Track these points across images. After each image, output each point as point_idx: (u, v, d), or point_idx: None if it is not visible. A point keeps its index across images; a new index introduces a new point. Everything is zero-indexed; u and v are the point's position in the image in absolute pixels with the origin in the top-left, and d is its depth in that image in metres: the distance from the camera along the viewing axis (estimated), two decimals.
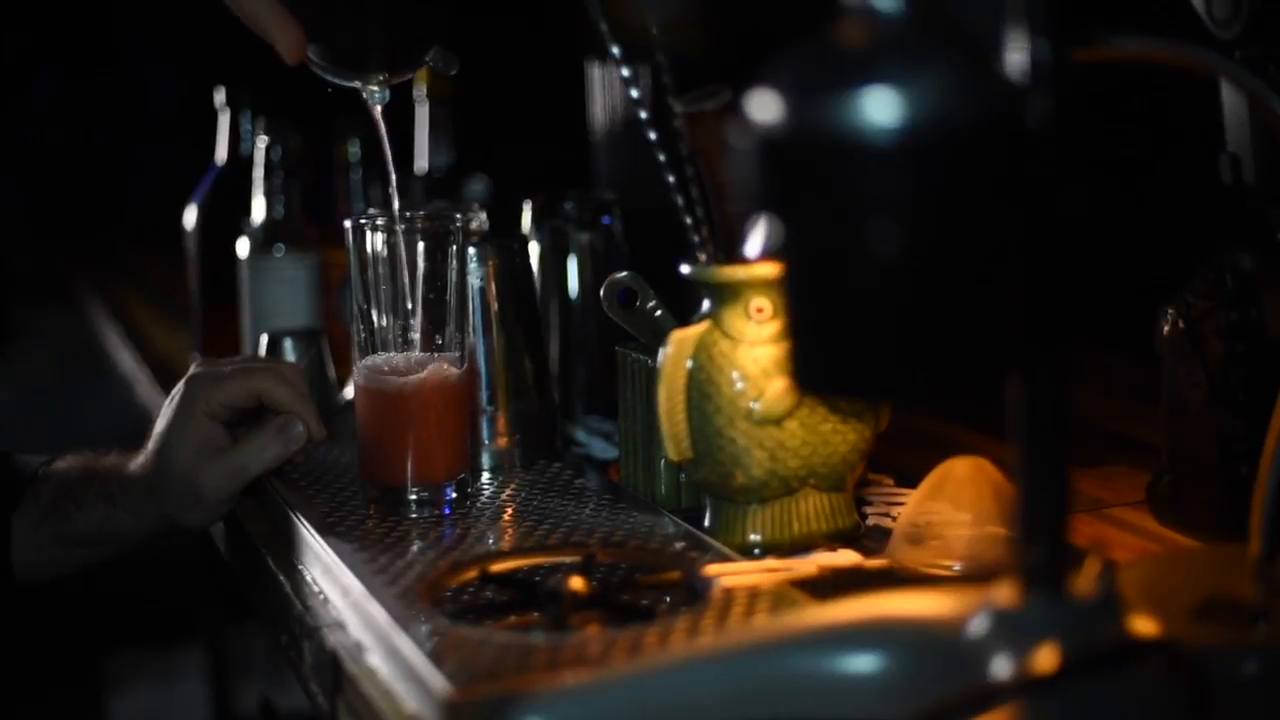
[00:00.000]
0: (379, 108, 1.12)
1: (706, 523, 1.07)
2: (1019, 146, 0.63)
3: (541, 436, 1.26)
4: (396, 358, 1.12)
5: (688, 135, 1.06)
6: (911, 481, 1.09)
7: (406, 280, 1.11)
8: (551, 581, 0.94)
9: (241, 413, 1.16)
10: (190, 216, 1.70)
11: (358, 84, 1.12)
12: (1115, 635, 0.68)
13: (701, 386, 1.04)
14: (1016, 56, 0.63)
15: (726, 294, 1.04)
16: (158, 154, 3.02)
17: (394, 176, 1.12)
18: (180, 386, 1.17)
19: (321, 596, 1.02)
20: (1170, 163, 1.44)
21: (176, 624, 2.61)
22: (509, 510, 1.13)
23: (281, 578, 1.06)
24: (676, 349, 1.04)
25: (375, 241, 1.12)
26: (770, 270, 1.02)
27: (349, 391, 1.37)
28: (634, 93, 1.09)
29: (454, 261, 1.13)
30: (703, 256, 1.08)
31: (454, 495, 1.12)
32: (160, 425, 1.16)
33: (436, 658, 0.84)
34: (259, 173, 1.59)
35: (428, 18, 1.09)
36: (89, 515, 1.16)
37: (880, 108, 0.61)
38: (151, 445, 1.15)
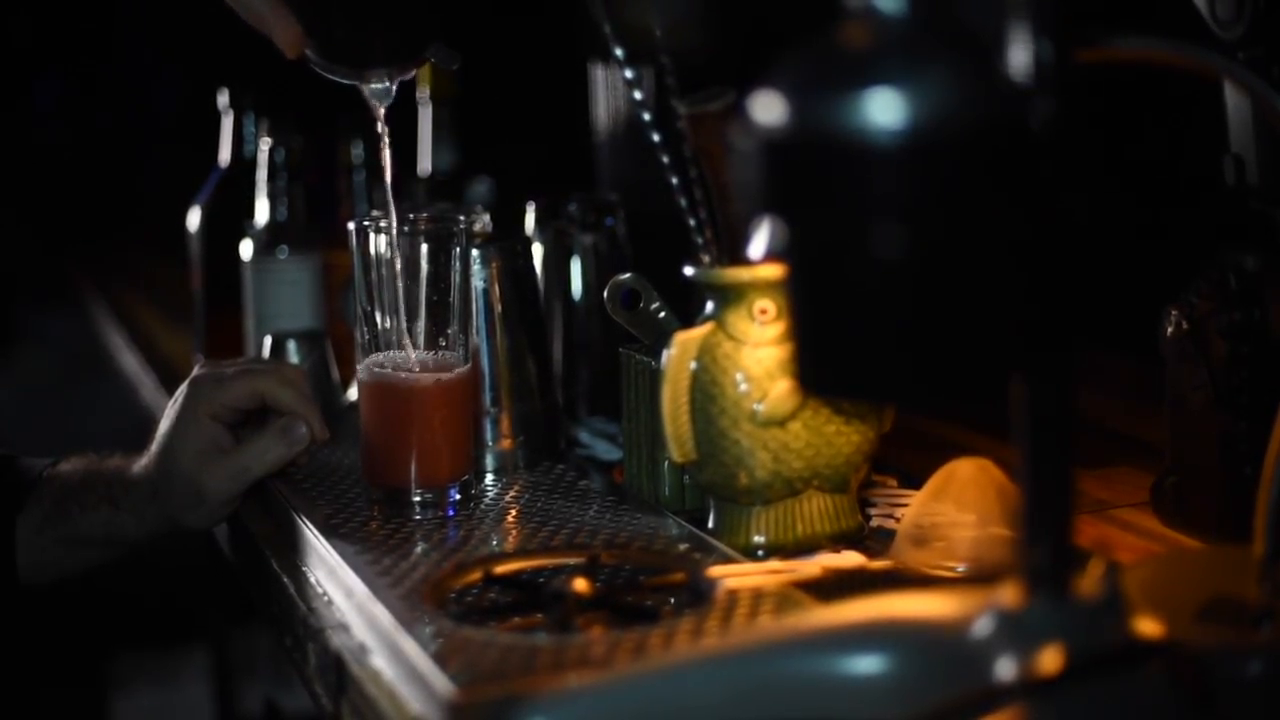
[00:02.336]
0: (381, 107, 1.12)
1: (710, 524, 1.07)
2: (1022, 148, 0.63)
3: (545, 438, 1.26)
4: (400, 358, 1.12)
5: (691, 137, 1.06)
6: (915, 483, 1.09)
7: (424, 280, 1.11)
8: (555, 583, 0.94)
9: (244, 414, 1.16)
10: (193, 218, 1.71)
11: (358, 82, 1.12)
12: (1119, 636, 0.68)
13: (705, 388, 1.04)
14: (1019, 58, 0.63)
15: (730, 295, 1.04)
16: (161, 156, 3.02)
17: (389, 173, 1.11)
18: (183, 388, 1.17)
19: (325, 598, 1.02)
20: (1174, 164, 1.44)
21: (180, 625, 2.61)
22: (513, 512, 1.13)
23: (285, 579, 1.06)
24: (680, 350, 1.04)
25: (379, 243, 1.12)
26: (774, 272, 1.02)
27: (353, 393, 1.37)
28: (637, 94, 1.09)
29: (457, 263, 1.13)
30: (706, 258, 1.08)
31: (458, 497, 1.12)
32: (163, 427, 1.16)
33: (441, 659, 0.84)
34: (262, 174, 1.59)
35: (428, 13, 1.09)
36: (92, 517, 1.16)
37: (883, 109, 0.61)
38: (154, 447, 1.16)
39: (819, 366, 0.68)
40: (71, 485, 1.18)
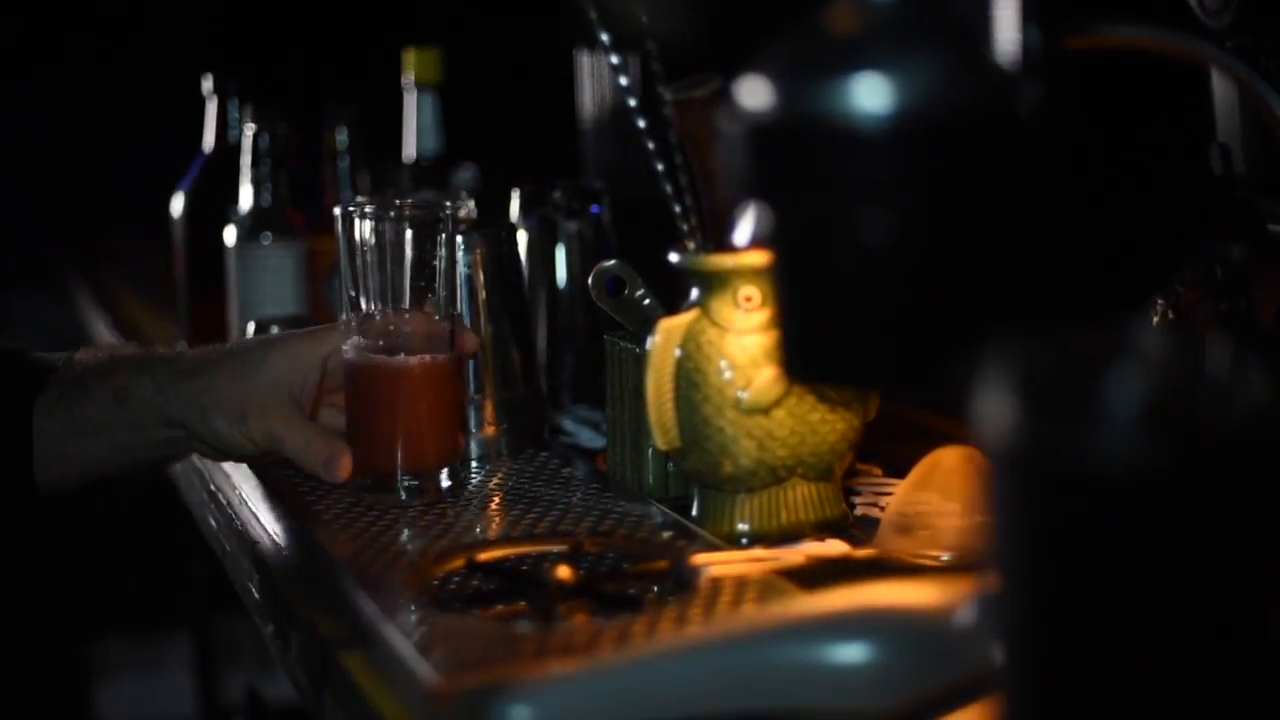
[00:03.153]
0: None
1: (694, 512, 1.07)
2: (1009, 134, 0.63)
3: (529, 425, 1.26)
4: (385, 343, 1.12)
5: (677, 123, 1.06)
6: (900, 471, 1.09)
7: (409, 266, 1.11)
8: (538, 571, 0.94)
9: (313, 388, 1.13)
10: (177, 204, 1.70)
11: None
12: None
13: (689, 375, 1.03)
14: (1007, 44, 0.63)
15: (715, 282, 1.04)
16: (145, 141, 3.01)
17: None
18: (327, 331, 1.14)
19: (308, 585, 1.01)
20: (1160, 152, 1.44)
21: (163, 613, 2.61)
22: (496, 499, 1.12)
23: (268, 565, 1.06)
24: (664, 337, 1.04)
25: (364, 229, 1.11)
26: (759, 258, 1.01)
27: None
28: (623, 80, 1.09)
29: (442, 249, 1.12)
30: (691, 245, 1.07)
31: (444, 483, 1.12)
32: (274, 337, 1.13)
33: (423, 647, 0.84)
34: (246, 160, 1.58)
35: None
36: (106, 388, 1.10)
37: (870, 95, 0.61)
38: (244, 342, 1.13)
39: (804, 353, 0.67)
40: (91, 364, 1.12)
